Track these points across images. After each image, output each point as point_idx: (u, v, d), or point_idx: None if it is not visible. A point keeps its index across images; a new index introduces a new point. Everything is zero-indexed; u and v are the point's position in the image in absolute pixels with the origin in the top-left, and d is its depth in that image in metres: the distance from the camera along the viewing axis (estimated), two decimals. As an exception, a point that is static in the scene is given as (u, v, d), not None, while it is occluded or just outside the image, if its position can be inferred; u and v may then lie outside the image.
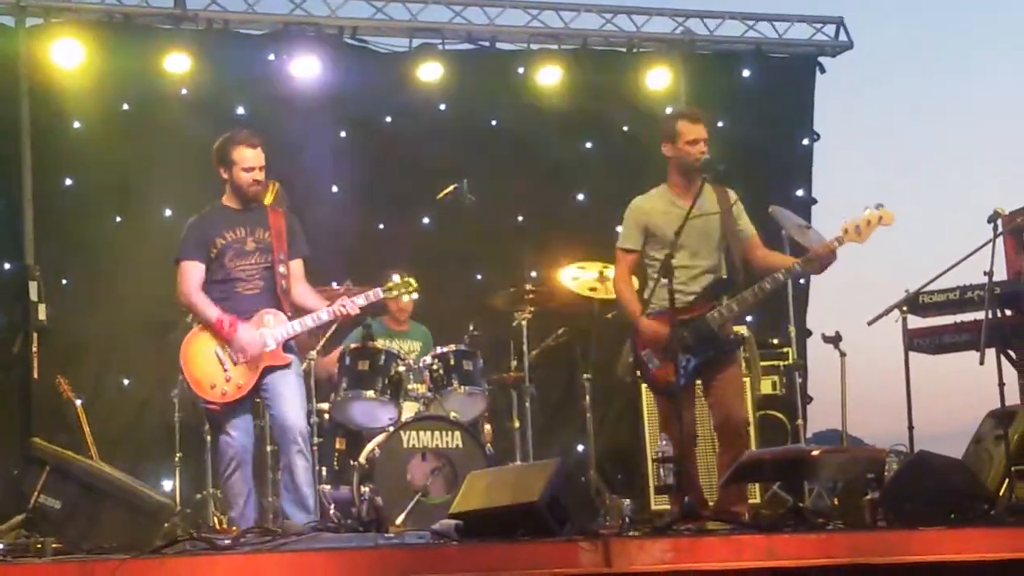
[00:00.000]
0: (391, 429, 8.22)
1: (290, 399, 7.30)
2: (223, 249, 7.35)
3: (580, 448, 9.93)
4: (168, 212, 9.88)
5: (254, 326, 7.30)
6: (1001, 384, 7.35)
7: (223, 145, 7.42)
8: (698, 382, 7.22)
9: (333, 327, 8.50)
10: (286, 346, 7.38)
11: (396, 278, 8.06)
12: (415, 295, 8.27)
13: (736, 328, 7.43)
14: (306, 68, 10.46)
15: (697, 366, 7.01)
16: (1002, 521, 6.35)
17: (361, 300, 7.70)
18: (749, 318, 9.83)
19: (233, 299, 7.34)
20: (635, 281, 7.50)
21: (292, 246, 7.49)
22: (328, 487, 8.50)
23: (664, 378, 7.07)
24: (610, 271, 8.84)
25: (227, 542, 6.05)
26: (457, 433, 8.18)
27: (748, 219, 7.30)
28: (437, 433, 8.15)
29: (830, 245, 7.07)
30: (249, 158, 7.38)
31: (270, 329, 7.32)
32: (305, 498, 7.31)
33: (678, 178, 7.25)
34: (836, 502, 7.87)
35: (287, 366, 7.36)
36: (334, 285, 8.72)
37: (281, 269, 7.40)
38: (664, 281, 6.73)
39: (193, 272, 7.38)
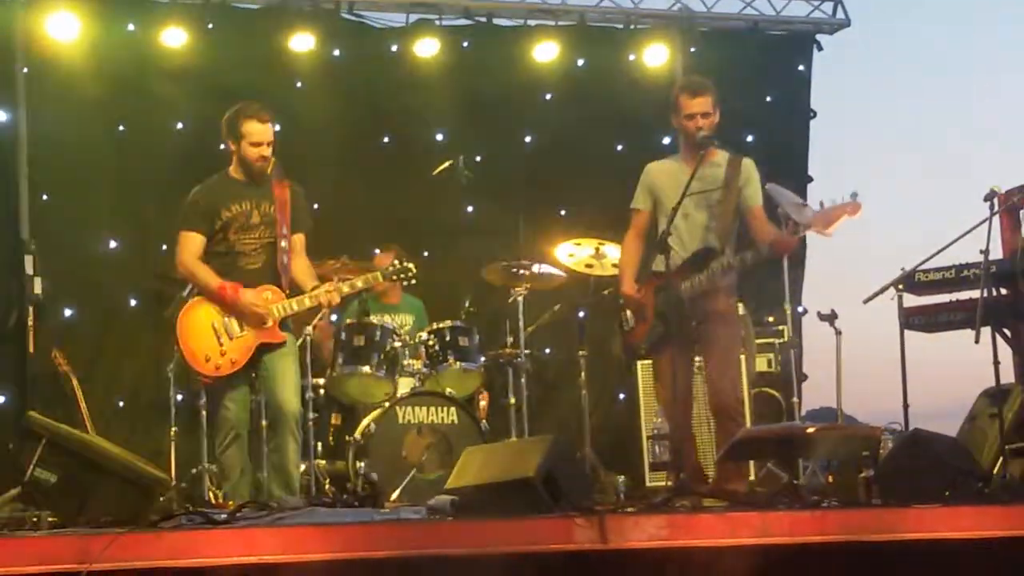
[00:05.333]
0: (387, 404, 8.23)
1: (287, 382, 7.32)
2: (228, 222, 7.34)
3: (575, 424, 9.93)
4: (164, 187, 9.85)
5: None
6: (996, 362, 7.35)
7: (233, 117, 7.40)
8: (697, 358, 7.26)
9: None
10: (282, 324, 7.38)
11: (396, 263, 8.09)
12: (413, 281, 8.29)
13: (720, 305, 7.35)
14: (303, 43, 10.43)
15: (664, 334, 7.05)
16: (996, 499, 6.35)
17: (360, 283, 7.72)
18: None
19: (234, 273, 7.34)
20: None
21: (296, 220, 7.48)
22: (323, 462, 8.52)
23: (633, 338, 7.26)
24: (606, 248, 8.91)
25: (223, 516, 6.05)
26: (453, 409, 8.20)
27: (757, 189, 7.31)
28: (433, 409, 8.18)
29: (794, 233, 7.09)
30: (258, 132, 7.36)
31: (269, 305, 7.32)
32: (292, 480, 7.36)
33: (685, 147, 7.35)
34: (831, 480, 7.90)
35: (283, 344, 7.36)
36: (330, 262, 8.72)
37: (283, 244, 7.39)
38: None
39: (193, 243, 7.36)
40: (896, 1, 13.90)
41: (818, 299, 10.74)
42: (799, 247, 10.64)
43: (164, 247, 9.14)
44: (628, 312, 7.30)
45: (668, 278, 6.91)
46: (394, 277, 8.11)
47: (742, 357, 8.81)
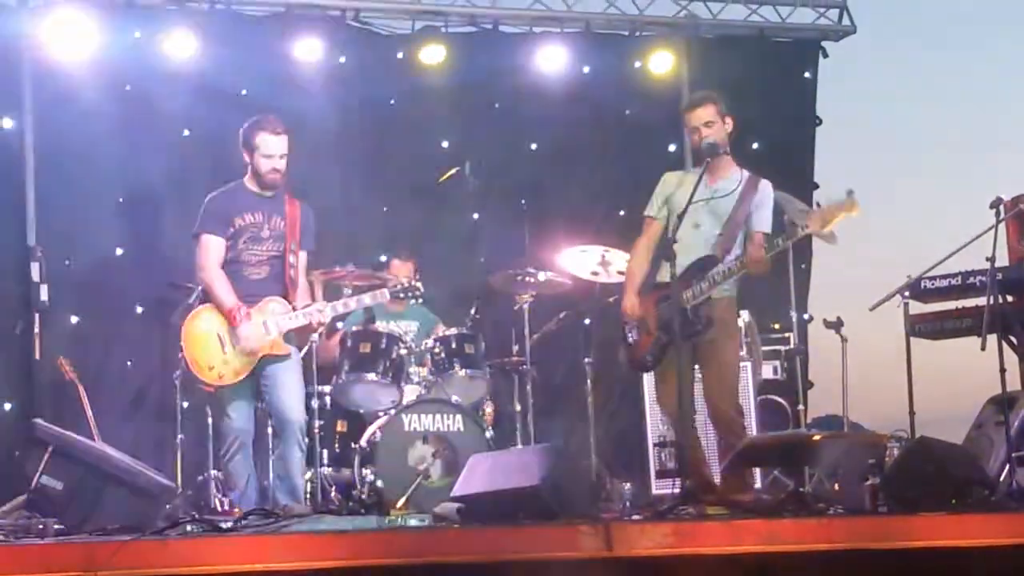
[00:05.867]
0: (392, 412, 8.23)
1: (291, 392, 7.34)
2: (240, 230, 7.38)
3: (581, 432, 9.93)
4: (171, 194, 9.86)
5: (258, 312, 7.32)
6: (1002, 370, 7.35)
7: (249, 129, 7.47)
8: (696, 367, 7.26)
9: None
10: (286, 337, 7.39)
11: (404, 282, 8.13)
12: (420, 300, 8.34)
13: (720, 315, 7.33)
14: (309, 50, 10.44)
15: (668, 344, 7.06)
16: (1002, 507, 6.37)
17: (367, 300, 7.79)
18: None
19: (239, 282, 7.36)
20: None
21: (303, 237, 7.52)
22: (329, 470, 8.51)
23: (638, 351, 7.28)
24: (611, 255, 8.90)
25: (229, 524, 6.06)
26: (458, 416, 8.20)
27: (769, 217, 7.30)
28: (438, 416, 8.17)
29: (789, 237, 7.13)
30: (270, 145, 7.41)
31: (273, 318, 7.33)
32: (297, 488, 7.38)
33: (697, 160, 7.38)
34: (837, 487, 7.89)
35: (287, 357, 7.37)
36: (336, 268, 8.74)
37: (291, 259, 7.43)
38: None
39: (214, 247, 7.40)
40: (902, 8, 13.88)
41: (824, 306, 10.71)
42: (804, 251, 10.65)
43: (171, 254, 9.15)
44: (629, 322, 7.31)
45: (671, 288, 6.91)
46: (401, 295, 8.16)
47: (747, 365, 8.82)
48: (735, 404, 7.24)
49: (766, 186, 7.32)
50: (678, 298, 6.95)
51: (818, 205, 6.97)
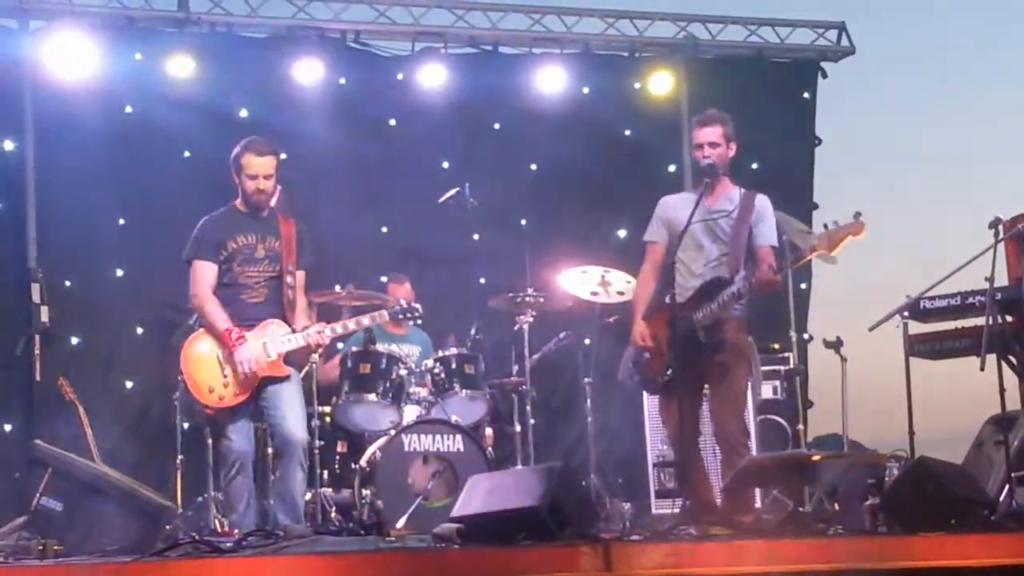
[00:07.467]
0: (392, 432, 8.23)
1: (292, 411, 7.32)
2: (233, 253, 7.37)
3: (581, 452, 9.93)
4: (171, 215, 9.87)
5: (257, 335, 7.32)
6: (1002, 390, 7.34)
7: (237, 151, 7.47)
8: (706, 386, 7.26)
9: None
10: (285, 359, 7.38)
11: (404, 303, 8.14)
12: (419, 321, 8.37)
13: (729, 336, 7.31)
14: (309, 72, 10.47)
15: (679, 365, 7.04)
16: (1002, 527, 6.35)
17: (366, 321, 7.80)
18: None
19: (237, 306, 7.35)
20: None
21: (300, 256, 7.51)
22: (329, 490, 8.51)
23: (649, 372, 7.25)
24: (611, 275, 8.92)
25: (229, 545, 6.06)
26: (458, 436, 8.20)
27: (773, 229, 7.30)
28: (438, 436, 8.17)
29: (797, 259, 7.13)
30: (254, 165, 7.40)
31: (272, 340, 7.33)
32: (297, 507, 7.36)
33: (696, 178, 7.37)
34: (836, 507, 7.89)
35: (287, 378, 7.37)
36: (336, 288, 8.76)
37: (289, 280, 7.41)
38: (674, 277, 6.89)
39: (206, 272, 7.38)
40: (901, 28, 13.93)
41: (824, 326, 10.72)
42: (804, 271, 10.67)
43: (171, 275, 9.15)
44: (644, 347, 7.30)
45: (679, 309, 6.90)
46: (400, 316, 8.17)
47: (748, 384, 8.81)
48: (742, 425, 7.23)
49: (763, 200, 7.32)
50: (689, 319, 6.96)
51: (825, 226, 6.95)
